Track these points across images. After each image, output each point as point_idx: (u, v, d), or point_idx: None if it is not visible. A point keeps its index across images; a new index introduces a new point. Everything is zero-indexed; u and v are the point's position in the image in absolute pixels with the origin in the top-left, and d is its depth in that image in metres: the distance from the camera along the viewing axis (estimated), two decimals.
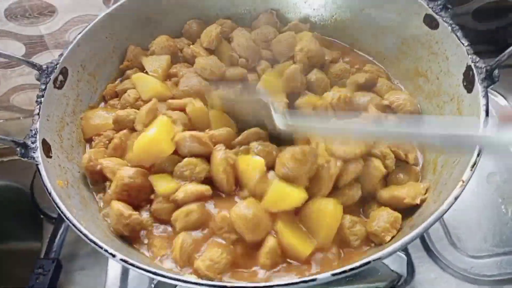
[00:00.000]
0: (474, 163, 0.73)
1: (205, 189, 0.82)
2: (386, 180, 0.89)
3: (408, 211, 0.82)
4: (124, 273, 1.04)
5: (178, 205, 0.81)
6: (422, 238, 1.05)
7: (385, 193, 0.84)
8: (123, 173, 0.83)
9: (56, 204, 0.74)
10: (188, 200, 0.81)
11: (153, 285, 0.95)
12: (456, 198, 0.71)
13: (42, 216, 1.30)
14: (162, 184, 0.84)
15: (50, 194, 0.75)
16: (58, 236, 1.24)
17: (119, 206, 0.80)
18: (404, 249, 1.01)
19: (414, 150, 0.92)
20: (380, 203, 0.85)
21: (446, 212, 0.70)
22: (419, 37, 1.02)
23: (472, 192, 1.13)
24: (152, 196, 0.85)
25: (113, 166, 0.86)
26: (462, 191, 0.72)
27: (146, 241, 0.82)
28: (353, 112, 0.94)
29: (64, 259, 1.18)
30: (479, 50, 0.89)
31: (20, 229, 1.46)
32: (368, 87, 1.03)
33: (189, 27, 1.15)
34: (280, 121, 0.84)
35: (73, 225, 0.71)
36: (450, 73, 0.94)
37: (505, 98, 1.30)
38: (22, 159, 0.79)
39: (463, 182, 0.72)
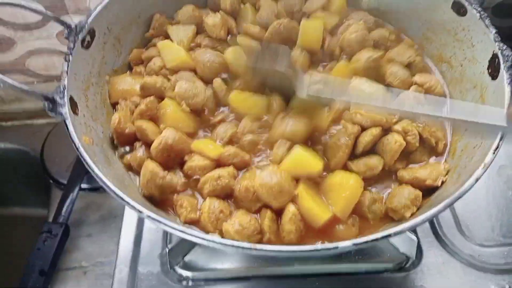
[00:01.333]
0: (497, 147, 0.75)
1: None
2: (408, 159, 0.90)
3: (426, 191, 0.84)
4: (137, 238, 1.05)
5: (218, 163, 0.84)
6: (432, 224, 1.06)
7: (406, 174, 0.85)
8: (169, 134, 0.84)
9: (83, 158, 0.75)
10: (228, 161, 0.84)
11: (167, 250, 0.96)
12: (477, 180, 0.73)
13: (51, 182, 1.31)
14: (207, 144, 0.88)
15: (78, 149, 0.75)
16: (67, 202, 1.25)
17: (153, 166, 0.81)
18: (415, 232, 1.02)
19: (445, 138, 0.93)
20: (401, 182, 0.86)
21: (466, 192, 0.71)
22: (446, 23, 1.02)
23: (483, 183, 1.14)
24: (186, 158, 0.86)
25: (154, 128, 0.88)
26: (484, 173, 0.73)
27: (174, 203, 0.84)
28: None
29: (72, 225, 1.19)
30: None
31: (28, 195, 1.47)
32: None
33: None
34: (302, 91, 0.85)
35: (101, 180, 0.72)
36: (475, 60, 0.94)
37: None
38: (50, 113, 0.80)
39: (485, 164, 0.73)
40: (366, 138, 0.86)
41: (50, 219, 1.20)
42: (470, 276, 0.99)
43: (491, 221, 1.09)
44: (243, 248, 0.66)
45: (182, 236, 0.67)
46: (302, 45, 1.04)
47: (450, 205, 0.70)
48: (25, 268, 1.05)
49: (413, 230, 1.02)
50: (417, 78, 0.98)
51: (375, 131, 0.86)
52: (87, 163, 0.74)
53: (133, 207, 0.69)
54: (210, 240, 0.67)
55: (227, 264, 1.00)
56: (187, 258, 0.99)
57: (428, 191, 0.84)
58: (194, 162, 0.85)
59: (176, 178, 0.84)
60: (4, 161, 1.43)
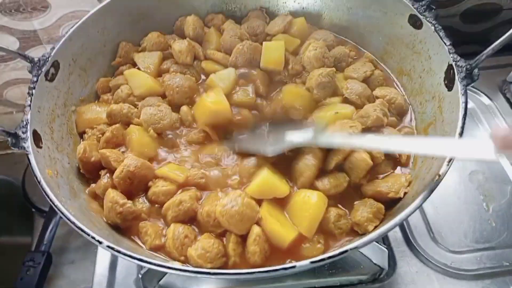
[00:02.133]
0: (450, 159, 0.76)
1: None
2: (372, 171, 0.90)
3: (390, 202, 0.85)
4: (113, 264, 1.06)
5: (182, 186, 0.86)
6: (404, 233, 1.07)
7: (369, 188, 0.86)
8: (130, 161, 0.86)
9: (45, 192, 0.76)
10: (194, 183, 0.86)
11: (140, 275, 0.96)
12: (431, 191, 0.74)
13: (33, 210, 1.31)
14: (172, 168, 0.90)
15: (39, 182, 0.76)
16: (49, 229, 1.25)
17: (114, 194, 0.82)
18: (386, 242, 1.03)
19: None
20: (365, 196, 0.87)
21: (421, 205, 0.72)
22: (404, 37, 1.05)
23: (455, 189, 1.16)
24: (150, 183, 0.87)
25: (118, 155, 0.89)
26: (437, 184, 0.74)
27: (139, 231, 0.84)
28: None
29: (54, 253, 1.19)
30: (466, 51, 0.92)
31: (11, 223, 1.47)
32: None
33: (180, 24, 1.16)
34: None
35: (62, 213, 0.73)
36: (432, 72, 0.96)
37: (489, 97, 1.33)
38: (13, 149, 0.81)
39: (439, 176, 0.75)
40: (339, 156, 0.87)
41: (33, 246, 1.21)
42: (445, 283, 1.00)
43: (463, 227, 1.09)
44: (202, 273, 0.67)
45: (141, 264, 0.67)
46: (265, 66, 1.06)
47: (405, 219, 0.71)
48: None
49: (383, 240, 1.03)
50: (377, 91, 1.00)
51: (347, 150, 0.88)
52: (48, 196, 0.75)
53: (92, 238, 0.70)
54: (170, 267, 0.68)
55: (204, 286, 1.00)
56: (162, 282, 0.99)
57: (392, 202, 0.85)
58: (158, 187, 0.86)
59: (138, 205, 0.85)
60: None
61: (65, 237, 1.29)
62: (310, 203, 0.81)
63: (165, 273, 0.99)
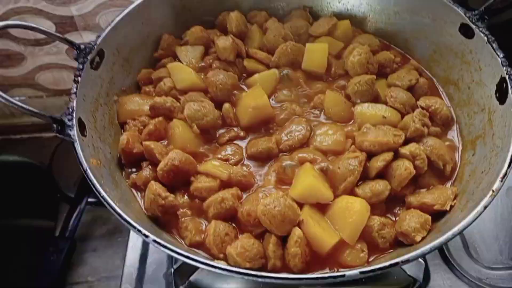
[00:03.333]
0: (505, 174, 0.74)
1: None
2: (415, 183, 0.89)
3: (434, 216, 0.83)
4: (143, 257, 1.06)
5: (224, 184, 0.85)
6: (440, 247, 1.05)
7: (414, 199, 0.85)
8: (175, 155, 0.85)
9: (91, 182, 0.75)
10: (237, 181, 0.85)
11: (172, 270, 0.96)
12: (485, 207, 0.72)
13: (58, 195, 1.32)
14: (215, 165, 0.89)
15: (85, 171, 0.76)
16: (74, 216, 1.25)
17: (156, 187, 0.82)
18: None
19: (452, 161, 0.92)
20: (409, 208, 0.85)
21: (476, 219, 0.70)
22: (453, 46, 1.02)
23: (491, 205, 1.11)
24: (192, 179, 0.87)
25: (162, 148, 0.88)
26: (492, 200, 0.73)
27: (179, 225, 0.84)
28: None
29: (78, 240, 1.19)
30: None
31: (36, 207, 1.48)
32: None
33: (223, 19, 1.15)
34: None
35: (108, 204, 0.72)
36: (482, 84, 0.94)
37: None
38: (58, 135, 0.80)
39: (493, 192, 0.73)
40: (379, 163, 0.86)
41: (57, 232, 1.20)
42: None
43: (499, 243, 1.08)
44: (248, 275, 0.66)
45: (187, 261, 0.67)
46: (307, 68, 1.05)
47: (459, 233, 0.69)
48: (33, 285, 1.06)
49: None
50: (421, 102, 0.98)
51: (387, 157, 0.86)
52: (94, 187, 0.74)
53: (139, 232, 0.69)
54: (215, 266, 0.67)
55: (233, 285, 0.99)
56: (192, 278, 0.99)
57: (436, 215, 0.83)
58: (200, 183, 0.85)
59: (180, 199, 0.85)
60: (13, 174, 1.44)
61: (89, 224, 1.30)
62: (353, 209, 0.80)
63: (196, 269, 0.99)
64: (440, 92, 1.06)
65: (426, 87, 1.03)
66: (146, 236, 0.69)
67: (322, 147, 0.91)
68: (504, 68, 0.88)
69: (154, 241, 0.69)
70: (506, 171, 0.74)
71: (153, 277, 1.02)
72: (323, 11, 1.21)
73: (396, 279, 0.98)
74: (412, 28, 1.11)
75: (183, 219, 0.83)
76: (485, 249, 1.06)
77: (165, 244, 0.68)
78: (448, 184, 0.90)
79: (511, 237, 1.08)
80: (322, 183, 0.83)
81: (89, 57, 0.92)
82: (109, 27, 0.97)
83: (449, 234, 0.69)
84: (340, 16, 1.18)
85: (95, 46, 0.93)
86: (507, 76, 0.86)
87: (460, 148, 0.96)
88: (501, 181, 0.73)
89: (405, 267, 0.97)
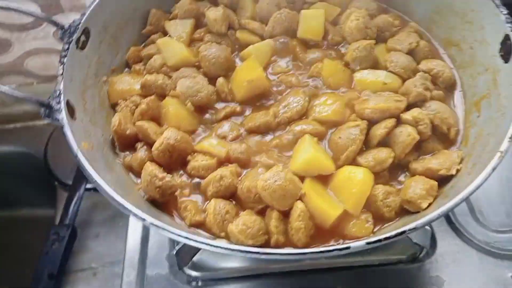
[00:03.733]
0: None
1: None
2: (419, 149, 0.86)
3: (440, 181, 0.80)
4: (144, 239, 1.04)
5: (222, 161, 0.82)
6: (449, 218, 1.03)
7: (418, 165, 0.82)
8: (170, 134, 0.82)
9: (83, 166, 0.73)
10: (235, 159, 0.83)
11: (175, 251, 0.94)
12: (494, 169, 0.70)
13: (56, 183, 1.29)
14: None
15: (76, 156, 0.73)
16: (73, 203, 1.23)
17: (153, 168, 0.79)
18: None
19: (457, 124, 0.89)
20: (414, 174, 0.83)
21: (485, 181, 0.68)
22: (453, 5, 0.98)
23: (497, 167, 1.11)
24: (189, 158, 0.84)
25: (156, 127, 0.85)
26: (500, 162, 0.70)
27: (178, 206, 0.81)
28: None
29: (79, 227, 1.18)
30: None
31: (34, 196, 1.46)
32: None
33: None
34: None
35: (103, 188, 0.70)
36: (486, 43, 0.90)
37: None
38: (47, 120, 0.77)
39: (501, 153, 0.70)
40: (381, 130, 0.83)
41: (57, 221, 1.19)
42: (487, 263, 0.97)
43: (506, 206, 1.05)
44: (251, 253, 0.64)
45: (187, 242, 0.65)
46: (303, 36, 1.01)
47: (467, 198, 0.67)
48: (34, 273, 1.05)
49: None
50: (423, 65, 0.94)
51: (389, 124, 0.83)
52: (87, 172, 0.72)
53: (135, 215, 0.67)
54: (216, 245, 0.65)
55: (237, 263, 0.98)
56: (195, 258, 0.97)
57: (442, 180, 0.81)
58: (197, 162, 0.82)
59: (178, 179, 0.82)
60: (8, 164, 1.41)
61: (89, 210, 1.27)
62: (356, 179, 0.77)
63: (199, 250, 0.97)
64: (442, 55, 1.02)
65: (427, 50, 0.99)
66: (144, 220, 0.67)
67: (321, 117, 0.88)
68: (508, 25, 0.84)
69: (152, 224, 0.66)
70: None
71: (155, 260, 1.01)
72: None
73: (402, 247, 0.96)
74: None
75: (182, 199, 0.81)
76: (492, 212, 1.04)
77: (163, 226, 0.66)
78: (454, 149, 0.87)
79: None
80: (323, 155, 0.81)
81: (74, 37, 0.88)
82: (94, 4, 0.93)
83: (457, 199, 0.67)
84: None
85: (80, 25, 0.89)
86: (511, 34, 0.82)
87: (465, 110, 0.92)
88: (510, 141, 0.71)
89: (411, 235, 0.94)
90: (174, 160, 0.83)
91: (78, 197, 1.22)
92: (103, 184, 0.70)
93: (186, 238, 0.65)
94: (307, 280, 0.96)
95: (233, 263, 0.98)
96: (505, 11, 0.86)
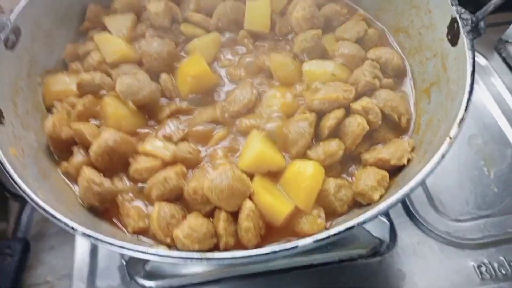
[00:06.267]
0: (462, 118, 0.69)
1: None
2: (371, 139, 0.84)
3: (393, 171, 0.78)
4: (94, 250, 0.98)
5: (166, 162, 0.77)
6: (404, 203, 1.01)
7: (369, 156, 0.79)
8: (109, 135, 0.76)
9: (8, 174, 0.66)
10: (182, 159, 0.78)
11: (124, 262, 0.88)
12: (443, 156, 0.67)
13: (7, 195, 1.22)
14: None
15: (1, 163, 0.67)
16: (25, 215, 1.17)
17: (89, 172, 0.74)
18: (386, 214, 0.97)
19: (407, 113, 0.86)
20: (365, 165, 0.80)
21: (434, 169, 0.66)
22: None
23: (454, 155, 1.10)
24: (131, 160, 0.79)
25: (93, 129, 0.80)
26: (450, 148, 0.68)
27: (120, 213, 0.76)
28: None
29: (32, 239, 1.11)
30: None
31: None
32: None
33: None
34: None
35: (29, 196, 0.64)
36: (433, 27, 0.89)
37: (485, 57, 1.27)
38: None
39: (451, 138, 0.68)
40: (330, 121, 0.80)
41: (9, 234, 1.12)
42: (448, 253, 0.95)
43: (464, 194, 1.04)
44: (192, 259, 0.59)
45: (121, 251, 0.59)
46: (249, 28, 0.97)
47: (417, 187, 0.64)
48: None
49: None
50: (371, 53, 0.92)
51: (338, 114, 0.81)
52: (12, 179, 0.66)
53: (66, 225, 0.61)
54: (153, 254, 0.60)
55: (197, 268, 0.93)
56: (148, 267, 0.92)
57: (394, 170, 0.79)
58: (140, 164, 0.77)
59: (118, 184, 0.77)
60: None
61: (43, 222, 1.21)
62: (305, 174, 0.74)
63: None
64: (391, 42, 1.00)
65: (376, 38, 0.97)
66: (74, 230, 0.61)
67: (271, 110, 0.84)
68: (454, 7, 0.82)
69: (84, 234, 0.61)
70: (463, 115, 0.69)
71: (106, 271, 0.94)
72: None
73: (362, 242, 0.93)
74: None
75: (124, 205, 0.75)
76: (451, 201, 1.03)
77: (94, 235, 0.60)
78: (406, 137, 0.85)
79: (476, 186, 1.05)
80: (272, 150, 0.77)
81: (2, 36, 0.81)
82: (24, 0, 0.86)
83: (405, 188, 0.64)
84: None
85: (8, 23, 0.82)
86: (457, 16, 0.81)
87: (416, 97, 0.90)
88: (459, 126, 0.68)
89: (369, 228, 0.92)
90: (115, 164, 0.78)
91: (30, 208, 1.16)
92: (30, 192, 0.64)
93: (119, 247, 0.59)
94: (269, 281, 0.92)
95: (194, 268, 0.93)
96: None
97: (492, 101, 1.19)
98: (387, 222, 0.92)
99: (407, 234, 0.97)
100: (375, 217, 0.62)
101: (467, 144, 1.12)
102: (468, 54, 0.76)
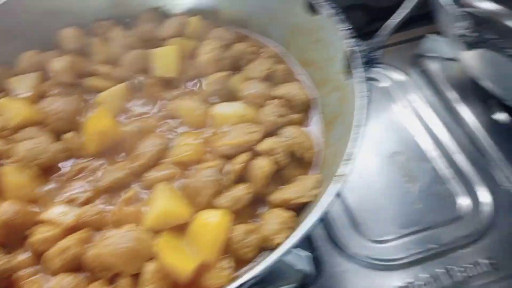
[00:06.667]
0: (350, 156, 0.70)
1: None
2: (280, 178, 0.84)
3: (300, 210, 0.79)
4: None
5: (68, 229, 0.75)
6: (327, 230, 1.01)
7: (276, 197, 0.80)
8: (6, 208, 0.74)
9: None
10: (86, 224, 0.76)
11: None
12: (338, 194, 0.68)
13: None
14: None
15: None
16: None
17: None
18: (308, 244, 0.97)
19: (314, 147, 0.88)
20: (274, 207, 0.80)
21: (325, 211, 0.66)
22: (303, 25, 0.98)
23: (378, 173, 1.12)
24: (30, 231, 0.76)
25: None
26: (339, 186, 0.68)
27: None
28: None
29: None
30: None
31: None
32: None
33: (65, 36, 1.04)
34: None
35: None
36: (333, 60, 0.91)
37: (405, 73, 1.31)
38: None
39: (339, 176, 0.69)
40: (236, 166, 0.81)
41: None
42: (374, 278, 0.96)
43: (389, 213, 1.05)
44: None
45: None
46: (158, 75, 0.97)
47: (310, 231, 0.65)
48: None
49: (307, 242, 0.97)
50: (277, 91, 0.93)
51: (245, 157, 0.82)
52: None
53: None
54: None
55: None
56: None
57: (302, 208, 0.79)
58: (39, 234, 0.75)
59: (18, 259, 0.74)
60: None
61: None
62: (211, 225, 0.73)
63: None
64: (302, 75, 1.01)
65: (285, 74, 0.99)
66: None
67: (179, 159, 0.84)
68: (346, 41, 0.85)
69: None
70: (352, 153, 0.71)
71: None
72: (174, 10, 1.13)
73: (287, 276, 0.93)
74: (264, 13, 1.06)
75: (22, 282, 0.73)
76: (375, 222, 1.03)
77: None
78: (314, 172, 0.86)
79: (400, 204, 1.07)
80: (178, 203, 0.76)
81: None
82: None
83: (286, 247, 0.64)
84: (194, 11, 1.11)
85: None
86: (349, 50, 0.83)
87: (323, 131, 0.92)
88: (346, 163, 0.70)
89: (292, 262, 0.92)
90: (13, 237, 0.76)
91: None
92: None
93: None
94: None
95: None
96: (345, 28, 0.86)
97: (413, 116, 1.22)
98: (308, 254, 0.93)
99: (333, 263, 0.98)
100: (267, 269, 0.62)
101: (391, 162, 1.14)
102: (358, 87, 0.78)
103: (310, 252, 0.94)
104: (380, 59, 0.81)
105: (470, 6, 0.82)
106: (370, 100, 0.77)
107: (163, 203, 0.75)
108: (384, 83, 1.29)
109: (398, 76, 1.30)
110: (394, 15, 0.77)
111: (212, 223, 0.74)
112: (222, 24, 1.09)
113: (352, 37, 0.86)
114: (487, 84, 0.99)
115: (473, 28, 0.83)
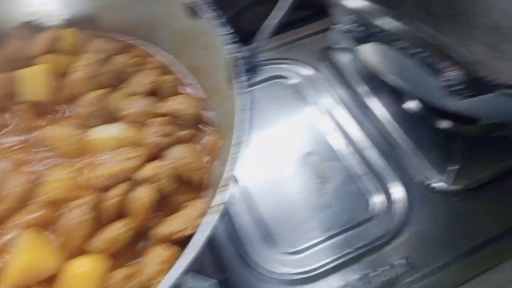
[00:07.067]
0: (226, 183, 0.63)
1: None
2: (168, 206, 0.76)
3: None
4: None
5: None
6: (237, 247, 0.94)
7: (157, 232, 0.71)
8: None
9: None
10: None
11: None
12: (214, 227, 0.61)
13: None
14: None
15: None
16: None
17: None
18: (215, 268, 0.90)
19: (206, 168, 0.79)
20: (158, 242, 0.72)
21: (201, 246, 0.59)
22: (187, 31, 0.90)
23: (291, 177, 1.06)
24: None
25: None
26: (216, 219, 0.61)
27: None
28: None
29: None
30: None
31: None
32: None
33: None
34: None
35: None
36: (219, 68, 0.83)
37: (314, 68, 1.26)
38: None
39: (212, 208, 0.61)
40: (112, 200, 0.71)
41: None
42: None
43: (303, 219, 1.00)
44: None
45: None
46: (26, 100, 0.86)
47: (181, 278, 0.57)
48: None
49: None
50: (163, 106, 0.84)
51: (122, 189, 0.72)
52: None
53: None
54: None
55: None
56: None
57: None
58: None
59: None
60: None
61: None
62: (81, 276, 0.64)
63: None
64: (192, 86, 0.93)
65: (172, 86, 0.90)
66: None
67: (48, 198, 0.74)
68: (228, 47, 0.77)
69: None
70: (229, 176, 0.63)
71: None
72: (51, 22, 1.01)
73: None
74: (148, 19, 0.97)
75: None
76: (290, 231, 0.97)
77: None
78: (209, 194, 0.78)
79: (316, 209, 1.01)
80: (41, 254, 0.66)
81: None
82: None
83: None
84: (71, 22, 1.00)
85: None
86: (229, 57, 0.76)
87: (218, 146, 0.84)
88: (223, 190, 0.62)
89: None
90: None
91: None
92: None
93: None
94: None
95: None
96: (226, 32, 0.79)
97: (324, 113, 1.17)
98: (214, 280, 0.85)
99: (244, 285, 0.91)
100: None
101: (304, 164, 1.09)
102: (239, 99, 0.71)
103: (217, 278, 0.87)
104: (262, 64, 0.74)
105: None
106: (252, 113, 0.70)
107: (24, 256, 0.65)
108: (293, 80, 1.24)
109: (307, 71, 1.25)
110: (269, 18, 0.70)
111: (83, 273, 0.64)
112: (105, 34, 0.98)
113: (234, 42, 0.78)
114: (389, 77, 0.95)
115: (359, 22, 0.77)
